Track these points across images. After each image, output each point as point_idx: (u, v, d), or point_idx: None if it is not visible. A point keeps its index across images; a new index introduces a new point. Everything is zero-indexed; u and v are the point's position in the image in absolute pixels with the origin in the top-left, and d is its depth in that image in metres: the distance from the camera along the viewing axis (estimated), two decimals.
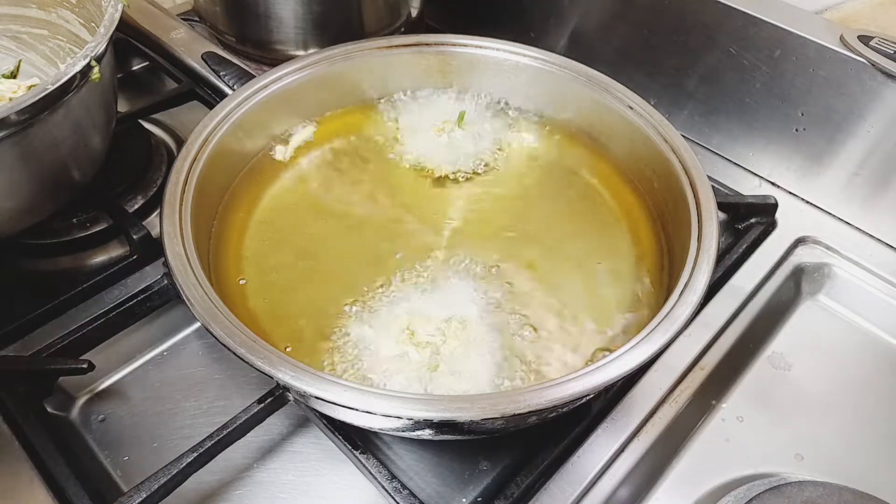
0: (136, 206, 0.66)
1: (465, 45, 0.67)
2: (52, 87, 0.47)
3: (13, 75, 0.67)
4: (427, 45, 0.67)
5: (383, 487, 0.47)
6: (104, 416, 0.54)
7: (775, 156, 0.74)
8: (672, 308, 0.45)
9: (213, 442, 0.46)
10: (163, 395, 0.56)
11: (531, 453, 0.50)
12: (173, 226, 0.49)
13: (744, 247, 0.66)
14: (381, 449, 0.53)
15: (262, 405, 0.47)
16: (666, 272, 0.55)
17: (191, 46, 0.71)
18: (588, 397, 0.47)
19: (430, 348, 0.48)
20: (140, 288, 0.57)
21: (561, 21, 0.85)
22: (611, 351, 0.43)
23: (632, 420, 0.52)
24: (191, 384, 0.56)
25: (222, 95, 0.65)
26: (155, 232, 0.56)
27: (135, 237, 0.60)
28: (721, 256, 0.64)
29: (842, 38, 0.65)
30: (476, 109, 0.68)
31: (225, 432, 0.46)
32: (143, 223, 0.62)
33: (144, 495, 0.43)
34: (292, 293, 0.53)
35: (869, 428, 0.56)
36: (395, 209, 0.60)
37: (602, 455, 0.50)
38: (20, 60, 0.68)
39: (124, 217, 0.63)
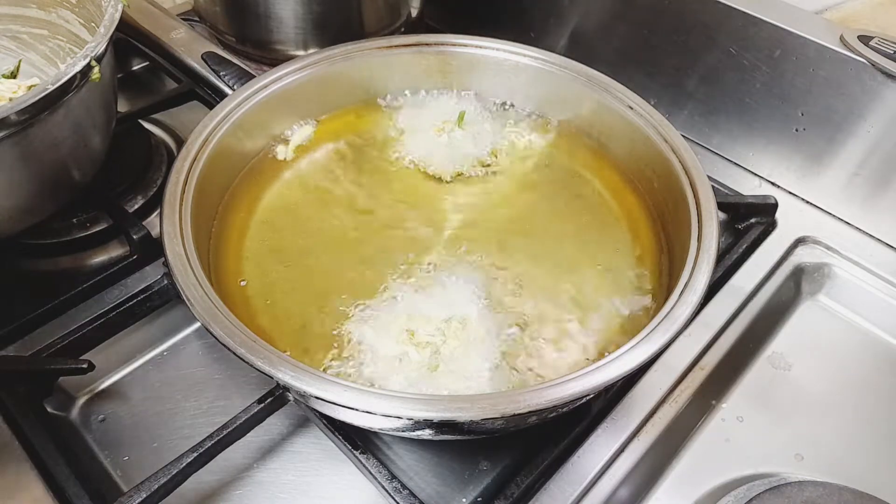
0: (136, 206, 0.66)
1: (465, 45, 0.67)
2: (52, 87, 0.47)
3: (13, 75, 0.67)
4: (427, 45, 0.67)
5: (383, 487, 0.47)
6: (104, 416, 0.54)
7: (775, 156, 0.74)
8: (672, 308, 0.45)
9: (213, 442, 0.46)
10: (163, 395, 0.56)
11: (531, 453, 0.50)
12: (173, 226, 0.49)
13: (744, 247, 0.66)
14: (381, 449, 0.53)
15: (262, 405, 0.47)
16: (666, 272, 0.55)
17: (191, 46, 0.71)
18: (588, 397, 0.47)
19: (430, 348, 0.48)
20: (140, 288, 0.57)
21: (561, 21, 0.85)
22: (611, 351, 0.43)
23: (632, 420, 0.52)
24: (191, 384, 0.56)
25: (222, 95, 0.65)
26: (155, 232, 0.56)
27: (135, 237, 0.60)
28: (721, 256, 0.64)
29: (842, 38, 0.65)
30: (476, 109, 0.68)
31: (225, 432, 0.46)
32: (143, 223, 0.62)
33: (144, 495, 0.43)
34: (292, 293, 0.53)
35: (869, 428, 0.56)
36: (395, 209, 0.60)
37: (602, 455, 0.50)
38: (20, 60, 0.68)
39: (124, 217, 0.63)
